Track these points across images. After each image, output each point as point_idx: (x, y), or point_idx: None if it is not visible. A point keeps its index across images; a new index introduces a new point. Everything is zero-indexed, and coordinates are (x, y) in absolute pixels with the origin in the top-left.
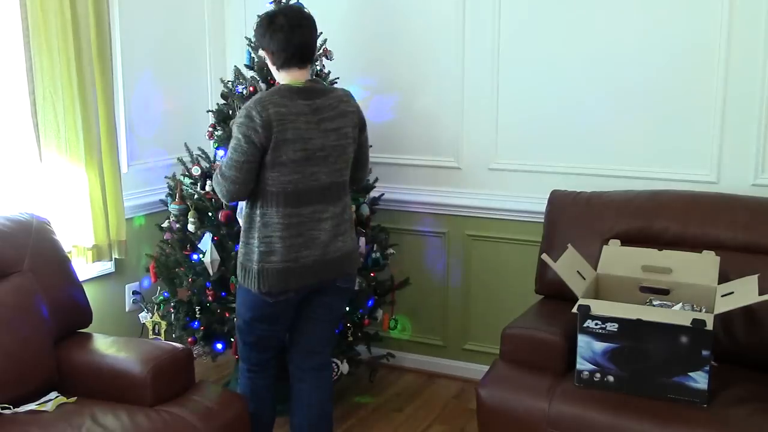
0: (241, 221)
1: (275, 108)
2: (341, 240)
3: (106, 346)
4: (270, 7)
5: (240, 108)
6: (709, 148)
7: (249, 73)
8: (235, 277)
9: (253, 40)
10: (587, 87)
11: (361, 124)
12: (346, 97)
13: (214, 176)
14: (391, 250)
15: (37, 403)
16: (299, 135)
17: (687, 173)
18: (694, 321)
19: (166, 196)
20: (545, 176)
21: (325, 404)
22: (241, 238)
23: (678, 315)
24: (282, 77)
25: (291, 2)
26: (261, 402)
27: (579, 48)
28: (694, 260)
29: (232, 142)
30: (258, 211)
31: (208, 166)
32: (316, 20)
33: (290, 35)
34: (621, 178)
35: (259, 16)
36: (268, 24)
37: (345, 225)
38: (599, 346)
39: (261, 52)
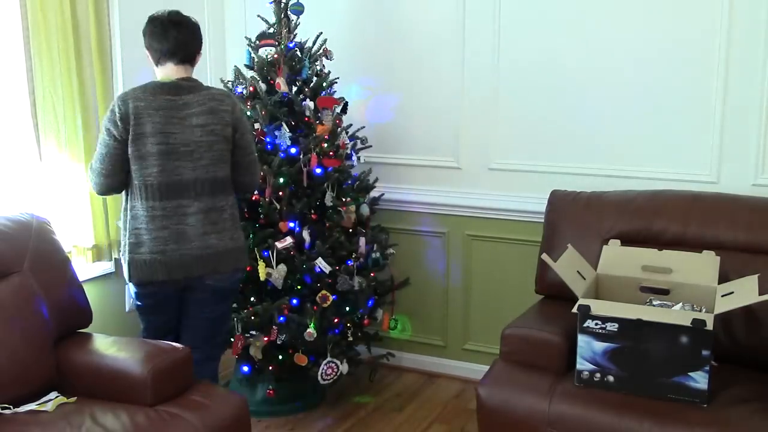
0: None
1: (135, 102)
2: (215, 237)
3: (106, 346)
4: (271, 7)
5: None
6: (709, 148)
7: (249, 73)
8: None
9: (253, 40)
10: (587, 87)
11: (235, 124)
12: (221, 96)
13: (88, 170)
14: (391, 250)
15: (37, 403)
16: (158, 129)
17: (687, 173)
18: (694, 321)
19: None
20: (545, 176)
21: None
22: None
23: (678, 315)
24: (158, 73)
25: (290, 3)
26: None
27: (579, 48)
28: (694, 260)
29: (99, 136)
30: (128, 204)
31: None
32: (316, 20)
33: (164, 34)
34: (621, 178)
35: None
36: (147, 24)
37: (222, 223)
38: (599, 346)
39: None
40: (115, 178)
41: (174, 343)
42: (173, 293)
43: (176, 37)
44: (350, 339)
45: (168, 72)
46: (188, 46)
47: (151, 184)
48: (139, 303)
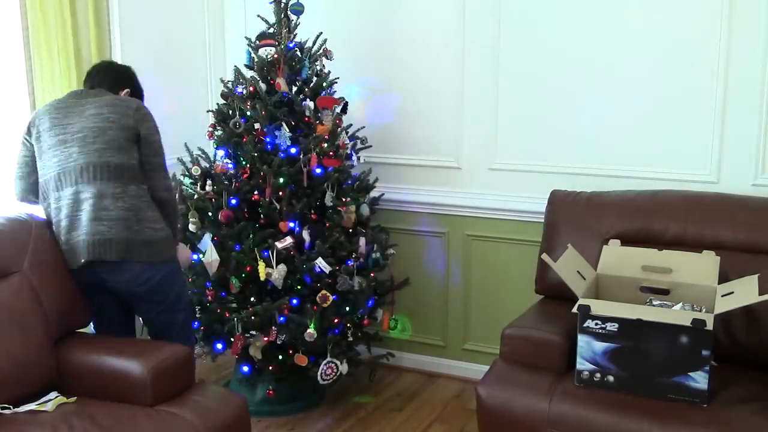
0: None
1: (43, 108)
2: (106, 225)
3: (106, 346)
4: (271, 7)
5: (239, 108)
6: (709, 148)
7: (249, 73)
8: (235, 277)
9: (253, 40)
10: (587, 87)
11: (138, 120)
12: (128, 100)
13: None
14: (391, 250)
15: (37, 403)
16: (57, 122)
17: (687, 173)
18: (694, 321)
19: None
20: (545, 176)
21: None
22: None
23: (678, 315)
24: None
25: (290, 3)
26: None
27: (579, 48)
28: (694, 260)
29: None
30: (44, 202)
31: (208, 166)
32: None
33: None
34: (621, 178)
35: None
36: None
37: (116, 211)
38: (599, 346)
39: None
40: (27, 180)
41: (174, 343)
42: (96, 290)
43: (91, 82)
44: (350, 339)
45: None
46: (103, 85)
47: (54, 175)
48: None
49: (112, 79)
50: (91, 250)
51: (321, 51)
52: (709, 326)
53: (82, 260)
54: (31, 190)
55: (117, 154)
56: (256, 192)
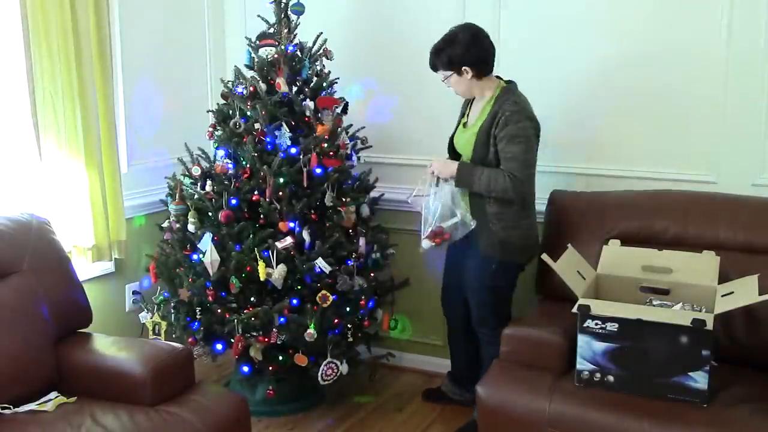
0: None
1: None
2: None
3: (106, 346)
4: (271, 7)
5: (239, 108)
6: (709, 148)
7: (249, 73)
8: (235, 277)
9: (253, 40)
10: (587, 87)
11: None
12: None
13: (505, 185)
14: (391, 250)
15: (37, 403)
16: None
17: (687, 173)
18: (694, 321)
19: (166, 196)
20: (545, 176)
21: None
22: (505, 221)
23: (678, 315)
24: (484, 83)
25: (291, 3)
26: None
27: (579, 48)
28: (694, 260)
29: (524, 146)
30: (528, 194)
31: (208, 166)
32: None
33: (492, 46)
34: (621, 178)
35: (457, 33)
36: (474, 39)
37: None
38: (599, 346)
39: (445, 73)
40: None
41: (173, 343)
42: None
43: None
44: (350, 339)
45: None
46: None
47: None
48: (514, 283)
49: None
50: None
51: (321, 51)
52: (709, 326)
53: None
54: None
55: None
56: (256, 192)
